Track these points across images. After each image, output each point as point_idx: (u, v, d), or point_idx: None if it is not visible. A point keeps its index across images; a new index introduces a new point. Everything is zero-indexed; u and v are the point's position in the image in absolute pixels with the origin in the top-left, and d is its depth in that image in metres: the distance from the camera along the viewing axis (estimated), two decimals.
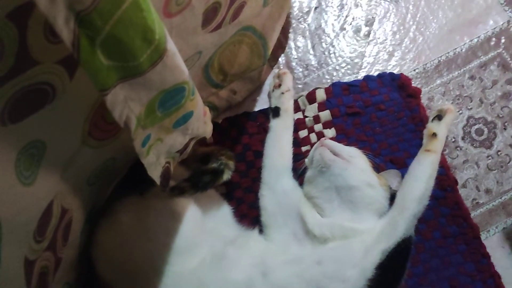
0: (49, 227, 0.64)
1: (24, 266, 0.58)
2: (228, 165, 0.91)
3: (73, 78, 0.55)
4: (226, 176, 0.90)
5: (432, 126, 0.95)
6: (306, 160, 0.98)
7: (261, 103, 1.06)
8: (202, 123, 0.84)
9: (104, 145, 0.72)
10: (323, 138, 0.94)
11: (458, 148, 1.00)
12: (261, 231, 0.92)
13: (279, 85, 1.02)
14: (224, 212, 0.93)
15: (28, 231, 0.57)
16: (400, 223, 0.82)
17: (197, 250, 0.81)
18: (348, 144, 1.00)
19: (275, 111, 1.00)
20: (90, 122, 0.66)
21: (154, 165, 0.73)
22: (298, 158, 0.99)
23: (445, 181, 0.94)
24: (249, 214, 0.97)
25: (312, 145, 1.01)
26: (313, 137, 1.02)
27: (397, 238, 0.81)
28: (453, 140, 1.01)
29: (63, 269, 0.74)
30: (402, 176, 0.92)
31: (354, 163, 0.88)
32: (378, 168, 0.94)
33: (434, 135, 0.92)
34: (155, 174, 0.72)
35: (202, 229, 0.84)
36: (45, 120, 0.54)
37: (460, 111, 1.02)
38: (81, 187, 0.75)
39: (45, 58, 0.49)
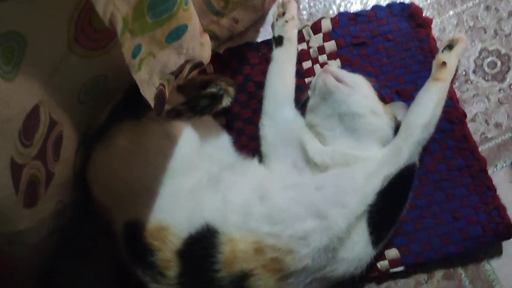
0: (37, 134, 0.62)
1: (11, 168, 0.57)
2: (227, 91, 0.88)
3: None
4: (225, 102, 0.87)
5: (442, 56, 0.90)
6: (309, 91, 0.95)
7: (264, 34, 1.02)
8: (199, 44, 0.81)
9: (93, 56, 0.70)
10: (327, 65, 0.90)
11: (469, 82, 0.96)
12: (260, 161, 0.90)
13: (283, 14, 0.97)
14: (223, 141, 0.90)
15: (13, 128, 0.55)
16: (404, 150, 0.79)
17: (193, 172, 0.79)
18: None
19: (278, 40, 0.96)
20: (76, 26, 0.63)
21: (147, 83, 0.71)
22: (301, 89, 0.95)
23: (453, 113, 0.90)
24: (249, 146, 0.94)
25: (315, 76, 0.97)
26: (317, 68, 0.98)
27: (400, 164, 0.79)
28: (464, 73, 0.96)
29: (57, 185, 0.73)
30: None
31: (358, 89, 0.84)
32: (384, 100, 0.90)
33: (443, 64, 0.88)
34: (149, 94, 0.70)
35: (199, 153, 0.82)
36: (23, 11, 0.52)
37: (473, 43, 0.97)
38: (71, 103, 0.73)
39: None
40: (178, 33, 0.71)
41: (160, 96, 0.75)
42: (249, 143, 0.94)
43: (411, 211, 0.85)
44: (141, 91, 0.66)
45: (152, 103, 0.71)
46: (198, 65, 0.86)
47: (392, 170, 0.78)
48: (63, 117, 0.73)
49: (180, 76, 0.83)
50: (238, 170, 0.82)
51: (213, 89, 0.86)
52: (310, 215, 0.74)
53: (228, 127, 0.95)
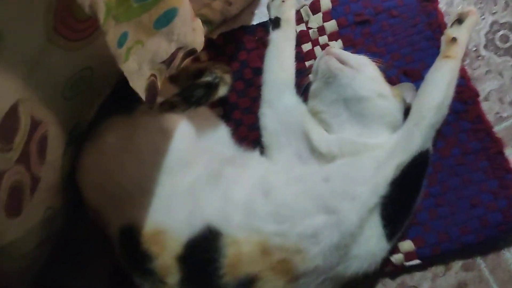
0: (18, 136, 0.56)
1: None
2: (223, 79, 0.82)
3: None
4: (222, 90, 0.81)
5: (451, 31, 0.84)
6: (311, 75, 0.89)
7: (260, 17, 0.96)
8: (190, 30, 0.75)
9: (76, 48, 0.63)
10: (329, 47, 0.84)
11: (480, 58, 0.90)
12: (262, 153, 0.84)
13: None
14: (221, 133, 0.85)
15: None
16: (416, 135, 0.74)
17: (191, 169, 0.74)
18: None
19: (275, 22, 0.89)
20: (55, 15, 0.56)
21: (137, 74, 0.65)
22: (302, 73, 0.89)
23: (465, 93, 0.84)
24: (249, 137, 0.88)
25: (316, 59, 0.91)
26: (317, 50, 0.91)
27: (413, 151, 0.73)
28: (474, 49, 0.90)
29: (44, 190, 0.68)
30: (417, 89, 0.83)
31: (363, 71, 0.78)
32: (391, 82, 0.84)
33: (453, 40, 0.82)
34: (139, 86, 0.65)
35: (196, 147, 0.77)
36: None
37: (483, 17, 0.91)
38: (55, 99, 0.67)
39: None
40: (167, 17, 0.65)
41: (151, 88, 0.69)
42: (249, 134, 0.89)
43: (426, 199, 0.80)
44: (130, 83, 0.61)
45: (143, 95, 0.66)
46: (191, 52, 0.81)
47: (405, 157, 0.72)
48: (47, 115, 0.67)
49: (172, 65, 0.77)
50: (239, 164, 0.77)
51: (208, 78, 0.80)
52: (318, 210, 0.69)
53: (226, 118, 0.89)
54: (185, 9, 0.69)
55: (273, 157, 0.82)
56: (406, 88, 0.84)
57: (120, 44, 0.59)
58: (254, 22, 0.95)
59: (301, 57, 0.91)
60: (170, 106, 0.76)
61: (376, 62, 0.83)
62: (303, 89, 0.87)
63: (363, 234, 0.70)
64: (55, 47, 0.60)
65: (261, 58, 0.90)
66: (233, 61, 0.92)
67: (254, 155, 0.82)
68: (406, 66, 0.88)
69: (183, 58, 0.80)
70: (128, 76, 0.61)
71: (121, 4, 0.55)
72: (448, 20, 0.88)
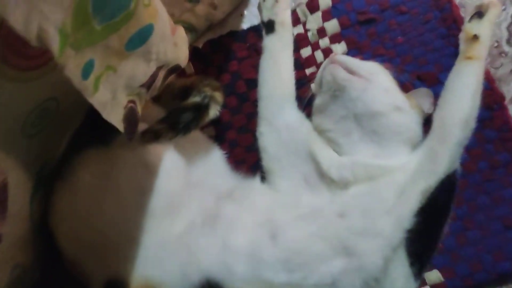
0: None
1: None
2: (214, 98, 0.71)
3: None
4: (213, 112, 0.70)
5: (470, 27, 0.73)
6: (313, 85, 0.78)
7: (250, 19, 0.84)
8: (171, 45, 0.64)
9: (33, 77, 0.52)
10: (333, 54, 0.73)
11: (503, 55, 0.79)
12: (263, 178, 0.74)
13: None
14: (215, 159, 0.74)
15: None
16: (441, 155, 0.63)
17: (183, 210, 0.63)
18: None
19: (269, 26, 0.78)
20: (2, 42, 0.45)
21: (111, 105, 0.55)
22: (302, 83, 0.78)
23: (490, 97, 0.74)
24: (247, 160, 0.78)
25: (318, 66, 0.80)
26: (318, 55, 0.81)
27: (439, 174, 0.63)
28: (496, 45, 0.80)
29: (9, 247, 0.58)
30: (435, 96, 0.73)
31: (375, 81, 0.68)
32: (404, 89, 0.74)
33: (475, 37, 0.71)
34: (115, 117, 0.55)
35: (188, 182, 0.66)
36: None
37: (504, 7, 0.80)
38: (14, 140, 0.56)
39: None
40: (142, 36, 0.54)
41: (130, 117, 0.59)
42: (246, 156, 0.78)
43: (452, 222, 0.70)
44: (104, 115, 0.51)
45: (120, 126, 0.55)
46: (175, 69, 0.70)
47: (430, 182, 0.62)
48: (5, 160, 0.56)
49: (153, 87, 0.66)
50: (238, 198, 0.66)
51: (196, 98, 0.69)
52: (336, 252, 0.59)
53: (219, 139, 0.79)
54: (163, 23, 0.58)
55: (276, 184, 0.72)
56: (422, 94, 0.74)
57: (86, 74, 0.48)
58: (244, 26, 0.84)
59: (301, 64, 0.80)
60: (154, 136, 0.65)
61: (385, 67, 0.72)
62: (305, 102, 0.76)
63: (388, 276, 0.60)
64: (5, 80, 0.49)
65: (255, 67, 0.79)
66: (223, 72, 0.81)
67: (254, 184, 0.71)
68: (420, 69, 0.78)
69: (166, 77, 0.70)
70: (100, 109, 0.51)
71: (80, 28, 0.43)
72: (465, 13, 0.78)
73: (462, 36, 0.74)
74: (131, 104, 0.60)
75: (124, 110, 0.58)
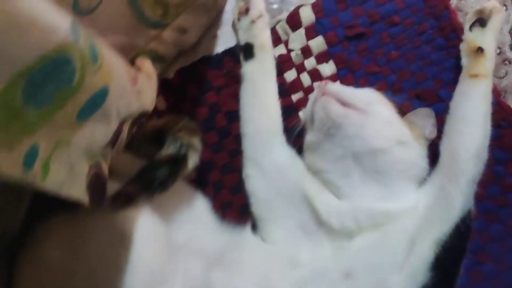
0: None
1: None
2: (192, 144, 0.62)
3: None
4: (192, 161, 0.61)
5: (473, 38, 0.66)
6: (301, 113, 0.70)
7: (225, 40, 0.74)
8: (134, 96, 0.55)
9: None
10: (323, 82, 0.64)
11: (507, 62, 0.72)
12: (254, 226, 0.66)
13: (246, 10, 0.69)
14: (199, 212, 0.65)
15: None
16: (455, 196, 0.56)
17: (166, 284, 0.55)
18: (355, 81, 0.71)
19: (247, 50, 0.69)
20: None
21: (69, 181, 0.46)
22: (289, 112, 0.70)
23: (497, 114, 0.66)
24: (233, 202, 0.70)
25: (305, 90, 0.72)
26: (305, 78, 0.72)
27: (454, 218, 0.56)
28: (498, 51, 0.72)
29: None
30: (436, 115, 0.65)
31: (373, 113, 0.60)
32: (401, 110, 0.66)
33: (479, 51, 0.63)
34: (76, 191, 0.48)
35: (170, 246, 0.58)
36: None
37: (504, 8, 0.72)
38: None
39: None
40: (95, 103, 0.45)
41: (95, 183, 0.51)
42: (233, 199, 0.70)
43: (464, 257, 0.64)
44: (63, 195, 0.44)
45: (85, 198, 0.48)
46: (142, 115, 0.60)
47: (444, 229, 0.55)
48: None
49: (119, 142, 0.57)
50: (228, 263, 0.58)
51: (171, 149, 0.60)
52: None
53: (201, 182, 0.70)
54: (120, 78, 0.48)
55: (270, 233, 0.64)
56: (422, 116, 0.67)
57: (29, 164, 0.39)
58: (219, 49, 0.74)
59: (286, 90, 0.71)
60: (125, 199, 0.56)
61: (379, 87, 0.65)
62: (294, 133, 0.68)
63: None
64: None
65: (235, 97, 0.70)
66: (200, 106, 0.72)
67: (245, 238, 0.63)
68: (418, 86, 0.71)
69: (133, 125, 0.60)
70: (56, 191, 0.43)
71: (13, 119, 0.34)
72: (463, 19, 0.69)
73: (463, 47, 0.67)
74: (95, 170, 0.52)
75: (87, 179, 0.49)
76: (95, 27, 0.59)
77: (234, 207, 0.70)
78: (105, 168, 0.54)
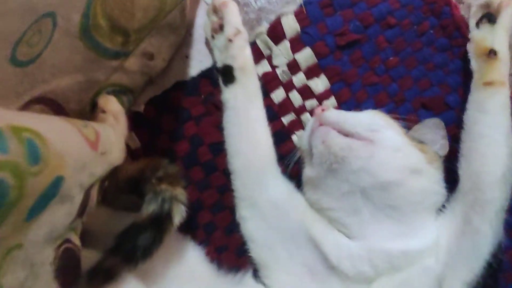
0: None
1: None
2: (175, 197, 0.53)
3: None
4: (178, 216, 0.53)
5: (481, 36, 0.58)
6: (295, 138, 0.62)
7: (199, 60, 0.65)
8: (98, 160, 0.47)
9: None
10: (319, 110, 0.55)
11: None
12: (256, 272, 0.58)
13: (221, 27, 0.60)
14: (192, 265, 0.57)
15: None
16: (483, 230, 0.49)
17: None
18: (352, 95, 0.63)
19: (226, 74, 0.59)
20: None
21: (32, 276, 0.39)
22: (282, 137, 0.62)
23: None
24: (229, 244, 0.62)
25: (296, 110, 0.63)
26: (294, 97, 0.63)
27: (484, 256, 0.49)
28: None
29: None
30: (446, 124, 0.58)
31: (380, 141, 0.52)
32: (406, 123, 0.58)
33: (491, 53, 0.55)
34: (44, 280, 0.40)
35: None
36: None
37: None
38: None
39: None
40: (48, 196, 0.37)
41: (65, 264, 0.44)
42: (227, 240, 0.63)
43: None
44: None
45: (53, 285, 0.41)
46: (111, 173, 0.51)
47: (475, 269, 0.48)
48: None
49: (88, 208, 0.48)
50: None
51: (152, 207, 0.52)
52: None
53: (190, 227, 0.62)
54: (77, 157, 0.40)
55: (274, 281, 0.57)
56: (430, 128, 0.59)
57: None
58: (193, 71, 0.65)
59: (275, 113, 0.63)
60: (104, 276, 0.48)
61: (378, 99, 0.57)
62: (290, 163, 0.60)
63: None
64: None
65: (217, 126, 0.61)
66: (178, 139, 0.63)
67: None
68: (422, 94, 0.63)
69: (103, 183, 0.51)
70: None
71: None
72: (470, 15, 0.61)
73: (471, 48, 0.59)
74: (65, 245, 0.44)
75: (54, 264, 0.41)
76: (44, 74, 0.50)
77: (231, 249, 0.62)
78: (75, 240, 0.46)
